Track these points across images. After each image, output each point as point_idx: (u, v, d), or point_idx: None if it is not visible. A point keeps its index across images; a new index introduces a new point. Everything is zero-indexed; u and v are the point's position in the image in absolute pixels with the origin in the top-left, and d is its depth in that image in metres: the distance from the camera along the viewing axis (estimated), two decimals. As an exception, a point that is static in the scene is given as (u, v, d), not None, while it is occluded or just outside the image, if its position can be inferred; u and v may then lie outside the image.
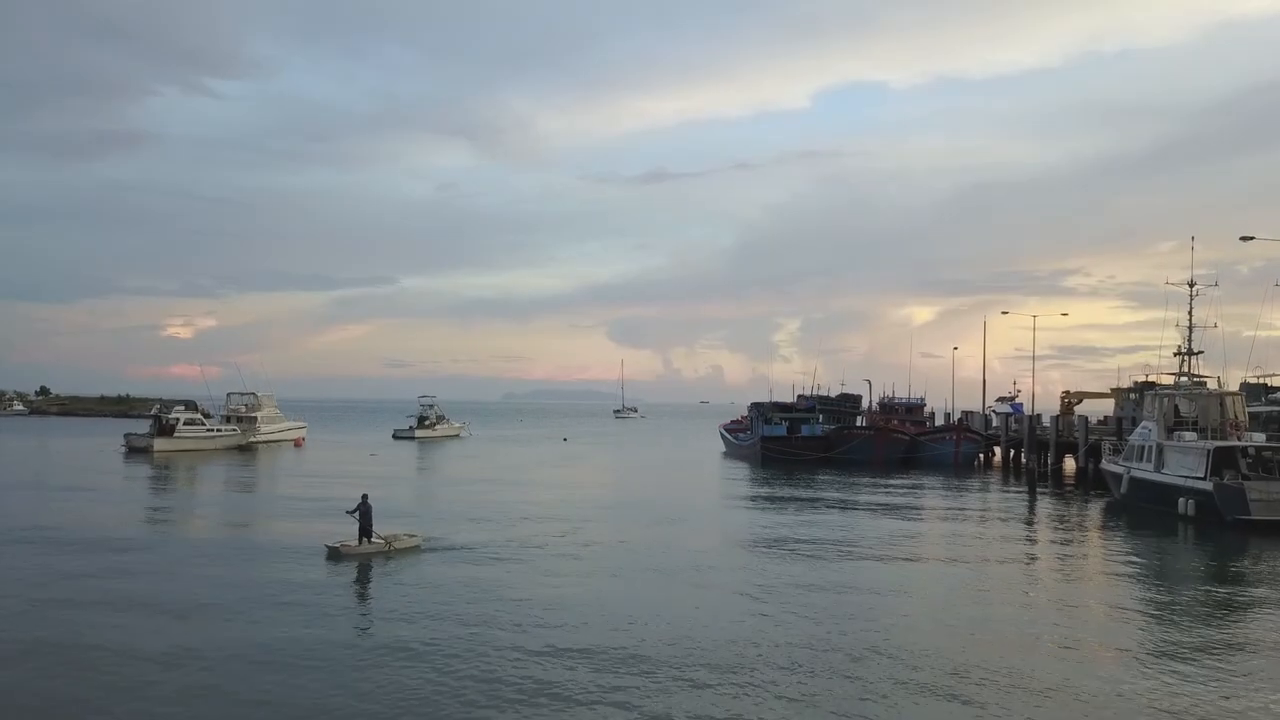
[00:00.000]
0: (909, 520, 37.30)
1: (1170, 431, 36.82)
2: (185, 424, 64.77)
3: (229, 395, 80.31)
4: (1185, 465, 35.02)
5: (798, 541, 30.05)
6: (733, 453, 72.00)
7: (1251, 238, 43.09)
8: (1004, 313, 72.23)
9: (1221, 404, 37.21)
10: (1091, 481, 49.42)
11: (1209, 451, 33.80)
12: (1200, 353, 65.35)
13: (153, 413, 65.43)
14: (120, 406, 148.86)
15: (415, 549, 25.84)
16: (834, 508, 40.13)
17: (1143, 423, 39.36)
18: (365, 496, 25.77)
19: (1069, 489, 48.58)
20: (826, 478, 54.86)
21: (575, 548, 27.99)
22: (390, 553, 25.03)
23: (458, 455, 71.04)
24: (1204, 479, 33.60)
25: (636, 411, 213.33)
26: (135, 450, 62.10)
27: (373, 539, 25.13)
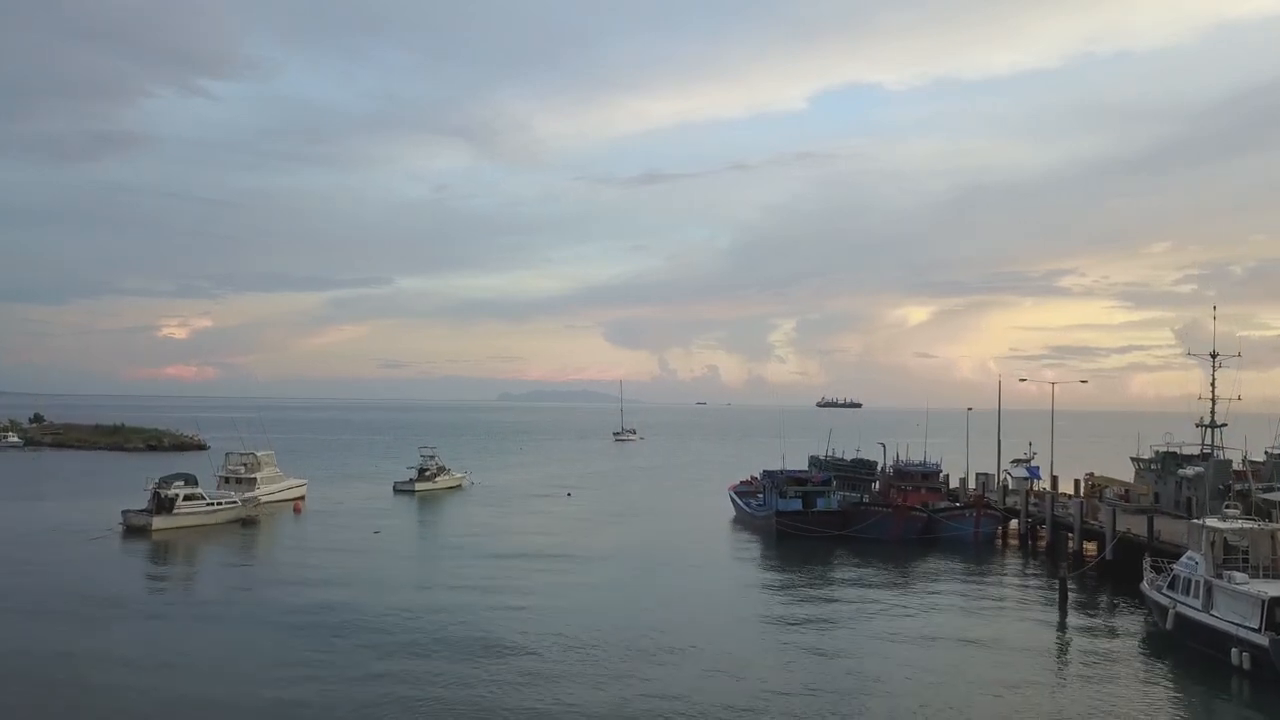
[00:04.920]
0: (933, 633, 37.12)
1: (1219, 568, 35.23)
2: (185, 499, 63.03)
3: (227, 455, 78.87)
4: (1237, 611, 33.41)
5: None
6: (743, 520, 70.52)
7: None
8: (1022, 379, 70.65)
9: (1273, 539, 35.61)
10: (1116, 578, 48.07)
11: (1263, 602, 32.21)
12: (1224, 425, 64.64)
13: (149, 488, 63.52)
14: (114, 438, 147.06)
15: None
16: (857, 612, 39.06)
17: (1189, 552, 37.76)
18: None
19: (1098, 593, 46.93)
20: (845, 566, 53.72)
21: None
22: None
23: (455, 524, 68.65)
24: (1258, 630, 32.01)
25: (635, 433, 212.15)
26: (133, 529, 60.37)
27: None
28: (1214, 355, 64.03)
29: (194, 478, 65.88)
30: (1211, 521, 36.98)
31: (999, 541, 62.92)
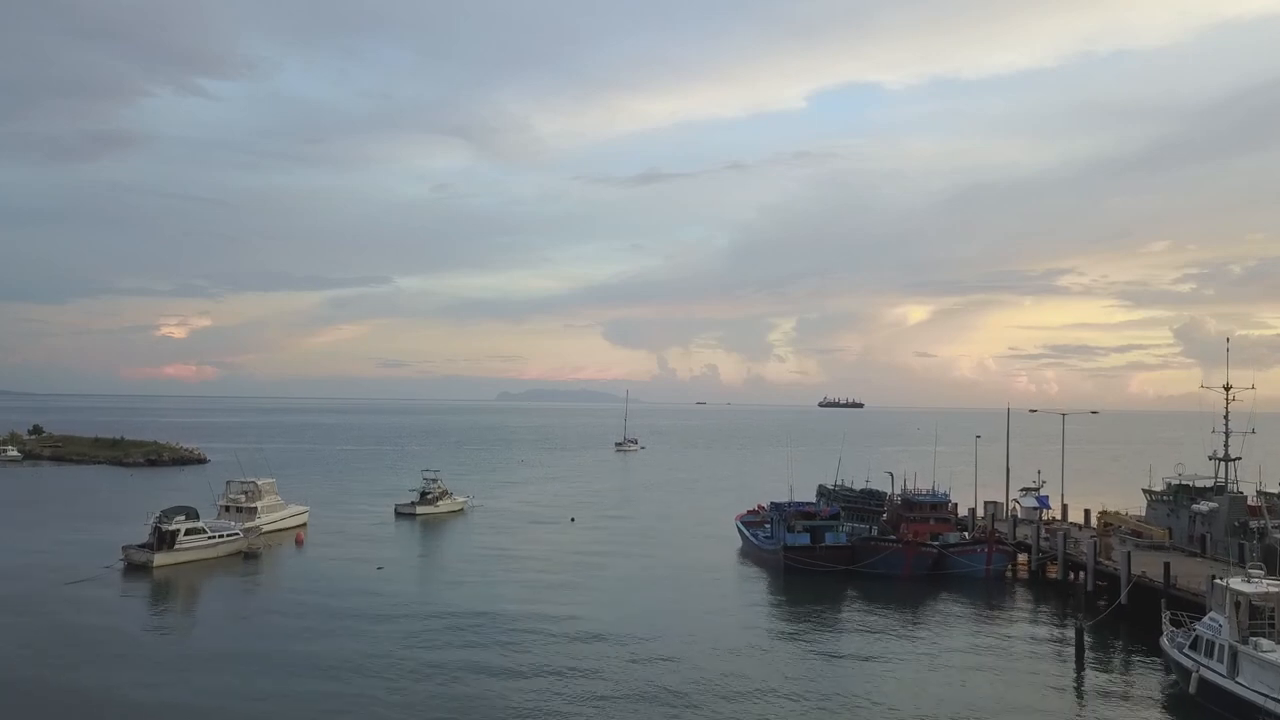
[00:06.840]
0: (944, 691, 36.15)
1: (1244, 632, 34.42)
2: (186, 534, 62.25)
3: (228, 483, 78.13)
4: (1263, 681, 32.61)
5: None
6: (750, 553, 69.75)
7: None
8: (1032, 410, 69.70)
9: (1299, 605, 34.75)
10: (1131, 622, 47.37)
11: (1293, 675, 31.41)
12: (1238, 459, 63.83)
13: (150, 523, 62.74)
14: (114, 452, 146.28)
15: None
16: (864, 661, 38.12)
17: (1211, 613, 36.98)
18: None
19: (1114, 643, 46.05)
20: (853, 607, 53.28)
21: None
22: None
23: (458, 562, 66.29)
24: (1287, 704, 31.23)
25: (637, 443, 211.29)
26: (134, 566, 59.58)
27: None
28: (1227, 388, 63.24)
29: (195, 510, 65.14)
30: (1235, 583, 36.10)
31: (1009, 576, 62.10)
